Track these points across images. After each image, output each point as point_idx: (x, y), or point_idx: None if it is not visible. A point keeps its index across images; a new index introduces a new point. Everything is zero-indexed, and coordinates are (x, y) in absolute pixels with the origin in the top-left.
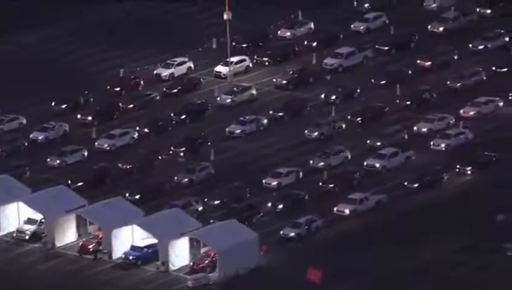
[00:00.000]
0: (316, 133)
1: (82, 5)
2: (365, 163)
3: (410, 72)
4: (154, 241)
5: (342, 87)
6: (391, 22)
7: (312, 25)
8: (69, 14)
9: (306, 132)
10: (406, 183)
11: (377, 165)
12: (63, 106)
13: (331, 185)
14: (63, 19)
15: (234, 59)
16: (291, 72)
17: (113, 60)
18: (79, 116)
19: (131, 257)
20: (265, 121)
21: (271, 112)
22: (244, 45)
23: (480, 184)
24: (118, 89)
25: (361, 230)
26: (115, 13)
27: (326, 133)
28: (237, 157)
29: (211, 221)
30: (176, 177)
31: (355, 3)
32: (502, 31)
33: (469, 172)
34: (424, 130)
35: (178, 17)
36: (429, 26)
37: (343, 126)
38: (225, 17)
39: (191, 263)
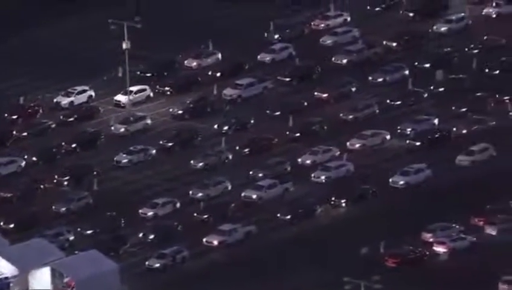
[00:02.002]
0: (201, 164)
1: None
2: (243, 194)
3: (306, 103)
4: (5, 274)
5: (235, 118)
6: (298, 53)
7: (220, 55)
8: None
9: (192, 162)
10: (278, 215)
11: (254, 196)
12: None
13: (205, 216)
14: None
15: (134, 88)
16: (188, 102)
17: (21, 87)
18: None
19: None
20: (153, 151)
21: (161, 142)
22: (149, 74)
23: (353, 217)
24: (15, 116)
25: (228, 261)
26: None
27: (212, 164)
28: (121, 187)
29: (75, 252)
30: (53, 207)
31: (266, 34)
32: (402, 65)
33: (343, 205)
34: (308, 162)
35: (90, 46)
36: (333, 58)
37: (230, 157)
38: (124, 46)
39: None
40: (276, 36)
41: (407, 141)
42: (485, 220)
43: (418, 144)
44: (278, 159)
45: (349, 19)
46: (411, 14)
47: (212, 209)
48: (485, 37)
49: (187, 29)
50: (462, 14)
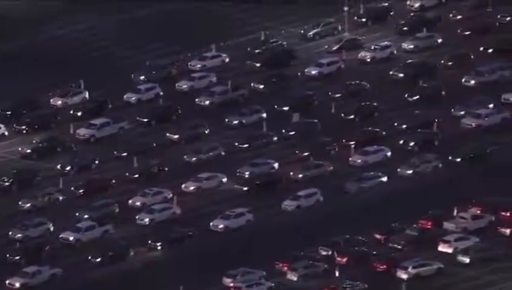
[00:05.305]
0: (29, 205)
1: None
2: (61, 235)
3: (155, 145)
4: None
5: (79, 159)
6: (165, 94)
7: (87, 94)
8: None
9: (20, 203)
10: (90, 257)
11: (71, 238)
12: None
13: (17, 257)
14: None
15: None
16: (37, 141)
17: None
18: None
19: None
20: None
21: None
22: (9, 112)
23: (165, 260)
24: None
25: None
26: None
27: (40, 205)
28: None
29: None
30: None
31: (132, 75)
32: (258, 107)
33: (159, 247)
34: (138, 204)
35: None
36: (197, 100)
37: (60, 198)
38: None
39: None
40: (142, 77)
41: (235, 185)
42: (288, 265)
43: (245, 189)
44: (105, 201)
45: (227, 60)
46: (258, 64)
47: (27, 250)
48: (352, 82)
49: (58, 67)
50: (336, 58)
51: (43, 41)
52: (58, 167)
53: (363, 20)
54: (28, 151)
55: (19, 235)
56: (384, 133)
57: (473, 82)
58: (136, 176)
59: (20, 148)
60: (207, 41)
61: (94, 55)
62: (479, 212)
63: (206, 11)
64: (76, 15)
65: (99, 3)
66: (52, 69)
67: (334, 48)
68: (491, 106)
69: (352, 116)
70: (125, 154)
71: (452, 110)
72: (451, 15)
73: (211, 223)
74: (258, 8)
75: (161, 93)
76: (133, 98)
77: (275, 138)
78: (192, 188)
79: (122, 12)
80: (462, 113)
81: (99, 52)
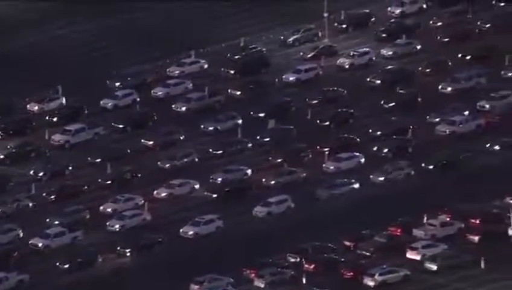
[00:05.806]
0: None
1: None
2: (30, 242)
3: (129, 151)
4: None
5: (52, 164)
6: (141, 100)
7: (64, 100)
8: None
9: None
10: (58, 263)
11: (40, 244)
12: None
13: None
14: None
15: None
16: (10, 147)
17: None
18: None
19: None
20: None
21: None
22: None
23: (134, 267)
24: None
25: None
26: None
27: (9, 212)
28: None
29: None
30: None
31: (108, 81)
32: (234, 113)
33: (128, 254)
34: (109, 210)
35: None
36: (173, 106)
37: (30, 204)
38: None
39: None
40: (118, 84)
41: (205, 192)
42: (256, 272)
43: (214, 196)
44: (76, 207)
45: (206, 66)
46: (232, 72)
47: None
48: (329, 88)
49: (37, 72)
50: (315, 65)
51: (22, 46)
52: (31, 172)
53: (344, 26)
54: (1, 156)
55: None
56: (358, 139)
57: (449, 89)
58: (109, 182)
59: None
60: (187, 47)
61: (77, 60)
62: (448, 219)
63: (194, 15)
64: (66, 17)
65: (90, 4)
66: (32, 74)
67: (310, 55)
68: (466, 112)
69: (327, 123)
70: (99, 160)
71: (427, 117)
72: (431, 22)
73: (181, 230)
74: (238, 14)
75: (138, 99)
76: (110, 104)
77: (250, 145)
78: (164, 194)
79: (107, 16)
80: (437, 120)
81: (80, 58)
